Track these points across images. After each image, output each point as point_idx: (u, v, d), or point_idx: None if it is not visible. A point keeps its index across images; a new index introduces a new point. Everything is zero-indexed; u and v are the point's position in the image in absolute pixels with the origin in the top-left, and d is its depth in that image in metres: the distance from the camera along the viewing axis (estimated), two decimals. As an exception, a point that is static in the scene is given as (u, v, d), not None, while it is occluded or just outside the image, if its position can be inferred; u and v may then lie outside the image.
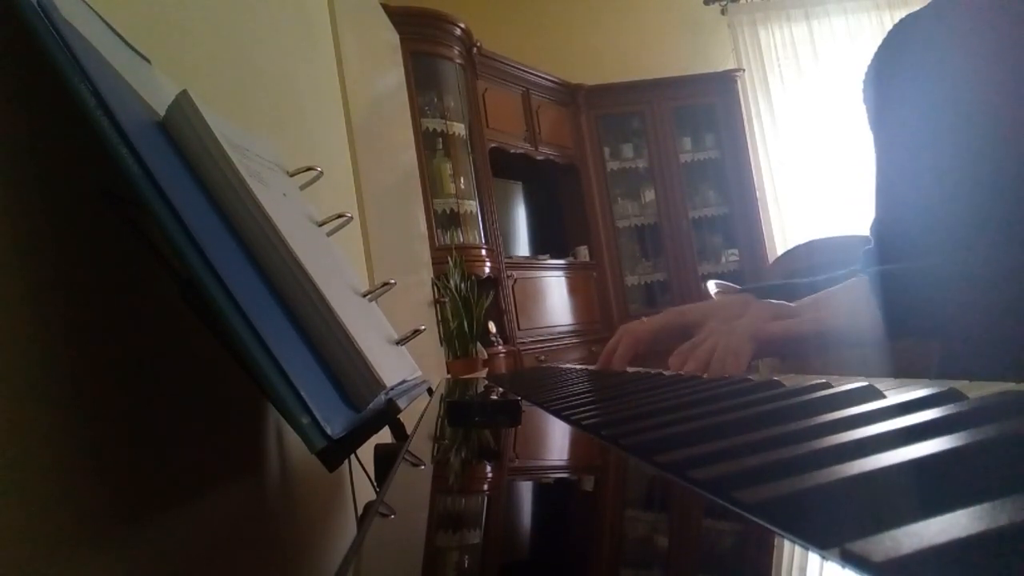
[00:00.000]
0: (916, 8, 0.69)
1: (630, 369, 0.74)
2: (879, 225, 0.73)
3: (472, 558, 0.21)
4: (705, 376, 0.59)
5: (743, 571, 0.17)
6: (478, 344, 3.08)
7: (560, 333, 4.01)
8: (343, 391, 0.51)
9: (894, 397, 0.29)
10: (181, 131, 0.50)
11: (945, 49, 0.64)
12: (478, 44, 3.78)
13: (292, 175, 0.74)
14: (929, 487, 0.19)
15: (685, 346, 0.65)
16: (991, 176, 0.60)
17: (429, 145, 3.43)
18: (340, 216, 0.76)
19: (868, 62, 0.73)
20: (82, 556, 0.40)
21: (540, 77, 4.26)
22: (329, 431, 0.41)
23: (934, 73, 0.65)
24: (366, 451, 0.66)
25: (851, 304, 0.60)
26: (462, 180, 3.57)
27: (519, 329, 3.72)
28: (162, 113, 0.51)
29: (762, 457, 0.22)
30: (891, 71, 0.69)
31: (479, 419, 0.50)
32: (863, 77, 0.74)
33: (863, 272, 0.62)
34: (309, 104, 1.35)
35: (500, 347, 3.48)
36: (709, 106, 4.69)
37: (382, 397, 0.55)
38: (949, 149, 0.63)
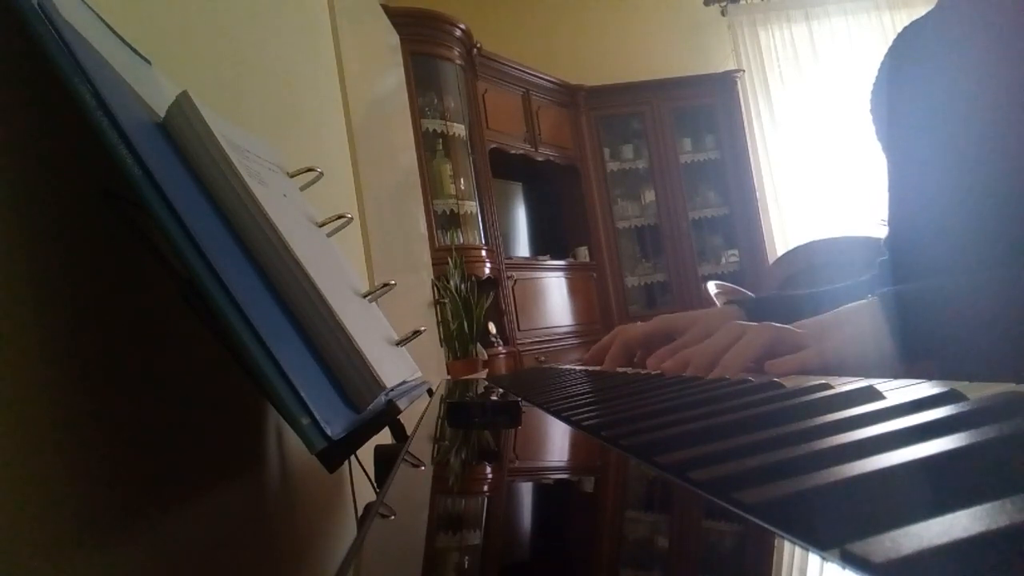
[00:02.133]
0: (918, 11, 0.69)
1: (629, 370, 0.74)
2: (893, 240, 0.72)
3: (472, 559, 0.21)
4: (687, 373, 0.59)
5: (743, 572, 0.17)
6: (478, 345, 3.08)
7: (560, 334, 4.01)
8: (343, 392, 0.51)
9: (894, 398, 0.29)
10: (181, 132, 0.50)
11: (951, 57, 0.63)
12: (478, 45, 3.78)
13: (292, 176, 0.74)
14: (929, 488, 0.19)
15: (662, 350, 0.65)
16: (1005, 187, 0.59)
17: (429, 146, 3.43)
18: (340, 217, 0.76)
19: (875, 73, 0.72)
20: (82, 556, 0.40)
21: (540, 78, 4.26)
22: (329, 432, 0.41)
23: (942, 82, 0.63)
24: (366, 452, 0.66)
25: (863, 331, 0.56)
26: (462, 181, 3.57)
27: (519, 330, 3.72)
28: (162, 114, 0.51)
29: (762, 458, 0.22)
30: (899, 81, 0.68)
31: (479, 420, 0.50)
32: (871, 88, 0.73)
33: (874, 293, 0.58)
34: (309, 105, 1.35)
35: (500, 348, 3.48)
36: (709, 107, 4.70)
37: (382, 398, 0.55)
38: (961, 161, 0.62)
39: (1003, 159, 0.59)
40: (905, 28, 0.68)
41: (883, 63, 0.70)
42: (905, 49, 0.67)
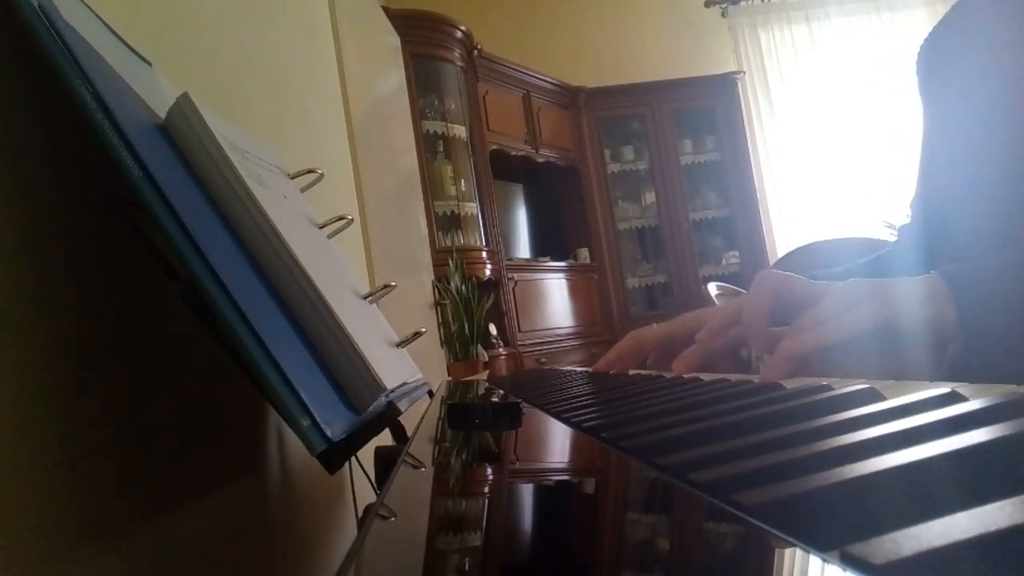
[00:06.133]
0: (919, 12, 0.69)
1: (631, 371, 0.74)
2: (921, 201, 0.72)
3: (472, 560, 0.21)
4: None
5: (743, 574, 0.17)
6: (479, 346, 3.08)
7: (561, 335, 4.01)
8: (343, 393, 0.51)
9: (895, 399, 0.29)
10: (182, 133, 0.50)
11: (1002, 32, 0.63)
12: (479, 46, 3.78)
13: (293, 177, 0.74)
14: (930, 489, 0.19)
15: (688, 349, 0.61)
16: None
17: (430, 147, 3.43)
18: (341, 218, 0.76)
19: (924, 37, 0.72)
20: (82, 556, 0.40)
21: (541, 79, 4.26)
22: (329, 433, 0.41)
23: (989, 55, 0.63)
24: (366, 453, 0.66)
25: (912, 310, 0.48)
26: (463, 182, 3.57)
27: (520, 331, 3.72)
28: (163, 115, 0.51)
29: (763, 459, 0.22)
30: (946, 48, 0.68)
31: (479, 421, 0.50)
32: (917, 51, 0.73)
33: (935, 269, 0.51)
34: (310, 106, 1.35)
35: (501, 349, 3.48)
36: (709, 108, 4.70)
37: (383, 399, 0.55)
38: (999, 131, 0.61)
39: None
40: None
41: (934, 28, 0.70)
42: (959, 17, 0.67)
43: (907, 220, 0.80)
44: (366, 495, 0.81)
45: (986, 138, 0.63)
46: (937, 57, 0.70)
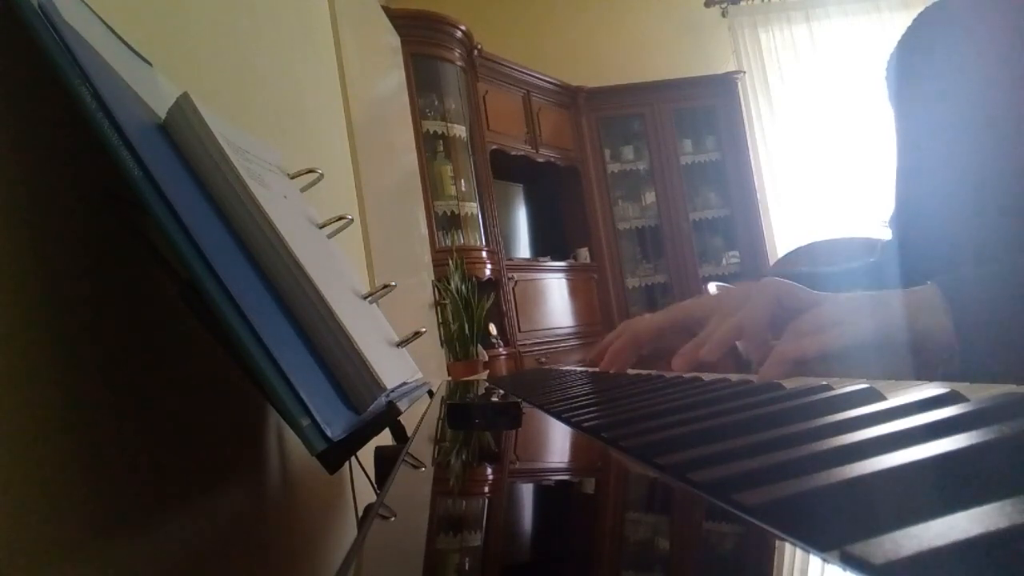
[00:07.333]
0: (919, 9, 0.69)
1: (630, 371, 0.74)
2: (898, 217, 0.72)
3: (472, 560, 0.21)
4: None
5: (743, 573, 0.17)
6: (479, 346, 3.08)
7: (561, 335, 4.01)
8: (343, 393, 0.51)
9: (895, 399, 0.29)
10: (182, 133, 0.50)
11: (971, 39, 0.62)
12: (479, 46, 3.78)
13: (293, 177, 0.74)
14: (930, 489, 0.19)
15: (688, 346, 0.60)
16: (1015, 168, 0.58)
17: (430, 147, 3.43)
18: (341, 218, 0.76)
19: (891, 49, 0.71)
20: (82, 557, 0.40)
21: (541, 79, 4.26)
22: (329, 433, 0.41)
23: (959, 63, 0.63)
24: (366, 453, 0.66)
25: (918, 312, 0.48)
26: (463, 182, 3.57)
27: (520, 331, 3.72)
28: (163, 115, 0.51)
29: (763, 459, 0.22)
30: (915, 59, 0.68)
31: (479, 421, 0.50)
32: (885, 65, 0.72)
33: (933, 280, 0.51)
34: (310, 106, 1.35)
35: (501, 349, 3.48)
36: (710, 108, 4.70)
37: (382, 399, 0.55)
38: (972, 141, 0.61)
39: (1016, 142, 0.58)
40: (928, 7, 0.67)
41: (901, 39, 0.69)
42: (925, 26, 0.67)
43: (888, 237, 0.80)
44: (366, 495, 0.81)
45: (962, 147, 0.63)
46: (908, 68, 0.69)
